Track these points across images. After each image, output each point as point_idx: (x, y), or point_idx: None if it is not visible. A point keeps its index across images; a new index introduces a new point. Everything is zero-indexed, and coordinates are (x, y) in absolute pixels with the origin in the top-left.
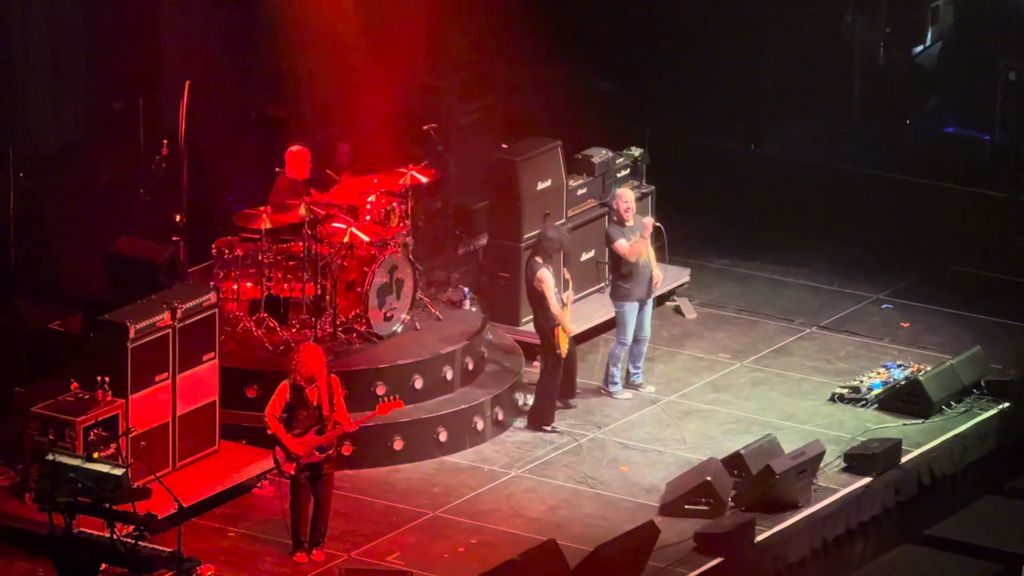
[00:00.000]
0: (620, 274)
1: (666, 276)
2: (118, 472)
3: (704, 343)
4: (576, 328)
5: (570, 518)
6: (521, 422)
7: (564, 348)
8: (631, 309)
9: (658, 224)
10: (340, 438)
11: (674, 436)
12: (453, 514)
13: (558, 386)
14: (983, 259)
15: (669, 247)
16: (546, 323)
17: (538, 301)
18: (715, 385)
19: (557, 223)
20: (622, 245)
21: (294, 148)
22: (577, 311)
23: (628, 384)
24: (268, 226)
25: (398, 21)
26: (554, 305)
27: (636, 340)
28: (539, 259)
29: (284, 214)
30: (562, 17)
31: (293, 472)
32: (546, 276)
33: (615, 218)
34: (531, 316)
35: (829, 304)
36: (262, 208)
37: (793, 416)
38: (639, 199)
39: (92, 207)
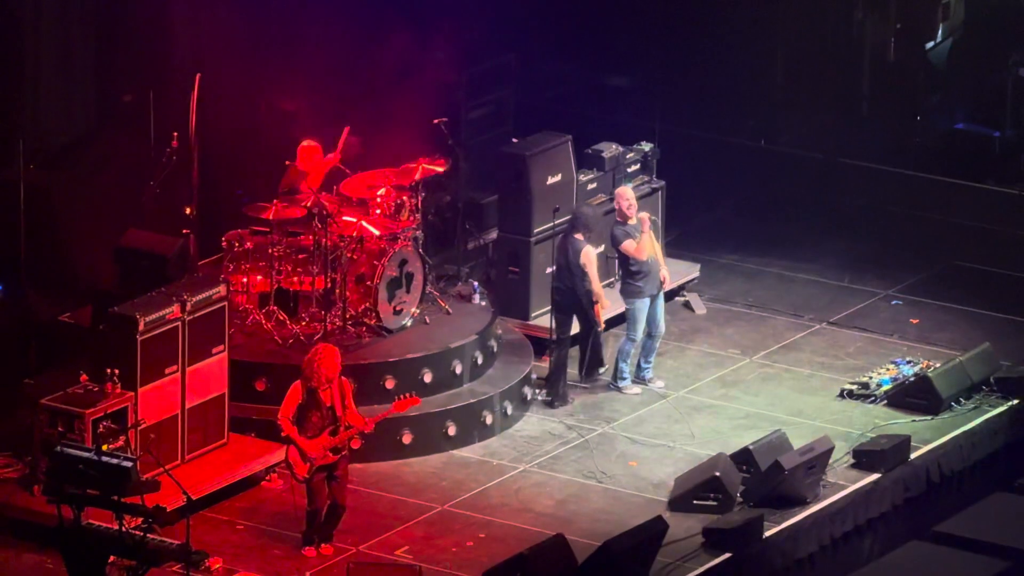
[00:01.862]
0: (629, 271)
1: (671, 273)
2: (127, 464)
3: (713, 338)
4: (609, 302)
5: (578, 513)
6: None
7: (603, 322)
8: (642, 305)
9: (653, 217)
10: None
11: (683, 431)
12: (461, 508)
13: (601, 346)
14: (993, 255)
15: (678, 242)
16: (584, 297)
17: (579, 276)
18: (724, 380)
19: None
20: (629, 245)
21: (306, 143)
22: None
23: (637, 379)
24: (278, 218)
25: (409, 14)
26: (596, 283)
27: (650, 336)
28: (579, 236)
29: (293, 206)
30: (573, 12)
31: (307, 475)
32: (592, 254)
33: (617, 217)
34: (543, 309)
35: (838, 300)
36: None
37: (802, 412)
38: (649, 194)
39: (102, 199)
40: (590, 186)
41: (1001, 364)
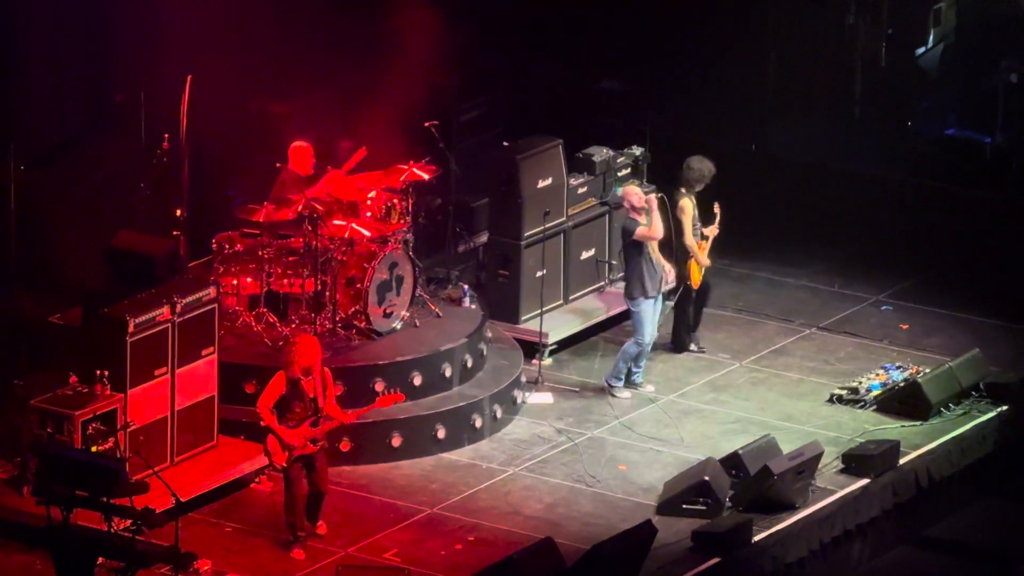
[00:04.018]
0: (638, 269)
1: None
2: (116, 466)
3: (703, 343)
4: (707, 261)
5: (567, 516)
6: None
7: (696, 279)
8: (647, 307)
9: (661, 195)
10: (336, 431)
11: (673, 435)
12: (451, 511)
13: (689, 316)
14: (983, 261)
15: (668, 247)
16: (680, 252)
17: (678, 230)
18: (714, 385)
19: (700, 157)
20: (643, 230)
21: (298, 143)
22: (576, 309)
23: (628, 383)
24: (268, 220)
25: (400, 17)
26: (689, 236)
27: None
28: (683, 189)
29: (284, 209)
30: (564, 15)
31: (285, 463)
32: (687, 206)
33: (631, 214)
34: (533, 313)
35: (828, 305)
36: (263, 203)
37: (791, 417)
38: None
39: (92, 201)
40: (580, 190)
41: (990, 370)
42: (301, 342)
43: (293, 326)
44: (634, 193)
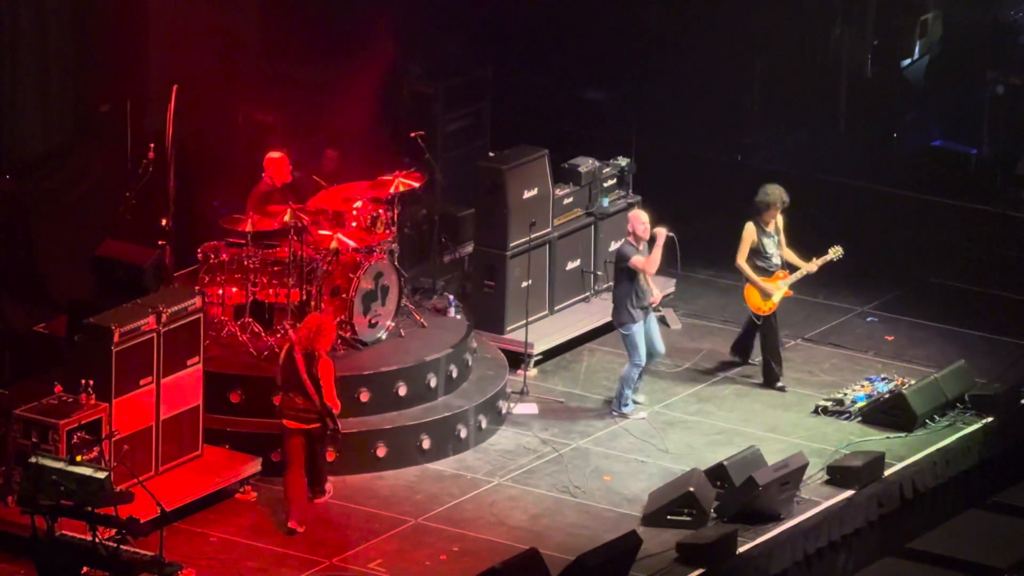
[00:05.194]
0: (628, 296)
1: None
2: (101, 475)
3: (689, 354)
4: (773, 289)
5: (552, 527)
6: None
7: (754, 305)
8: (638, 329)
9: (671, 234)
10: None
11: (657, 446)
12: (435, 522)
13: (769, 347)
14: (968, 273)
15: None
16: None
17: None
18: (699, 396)
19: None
20: (638, 259)
21: (274, 154)
22: (561, 320)
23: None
24: (253, 230)
25: (386, 28)
26: (739, 260)
27: (649, 355)
28: (755, 215)
29: (269, 219)
30: (550, 25)
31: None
32: (746, 230)
33: (629, 239)
34: (518, 323)
35: (814, 316)
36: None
37: (776, 428)
38: (625, 209)
39: (78, 210)
40: (566, 200)
41: (976, 381)
42: (324, 320)
43: (279, 336)
44: (641, 222)
